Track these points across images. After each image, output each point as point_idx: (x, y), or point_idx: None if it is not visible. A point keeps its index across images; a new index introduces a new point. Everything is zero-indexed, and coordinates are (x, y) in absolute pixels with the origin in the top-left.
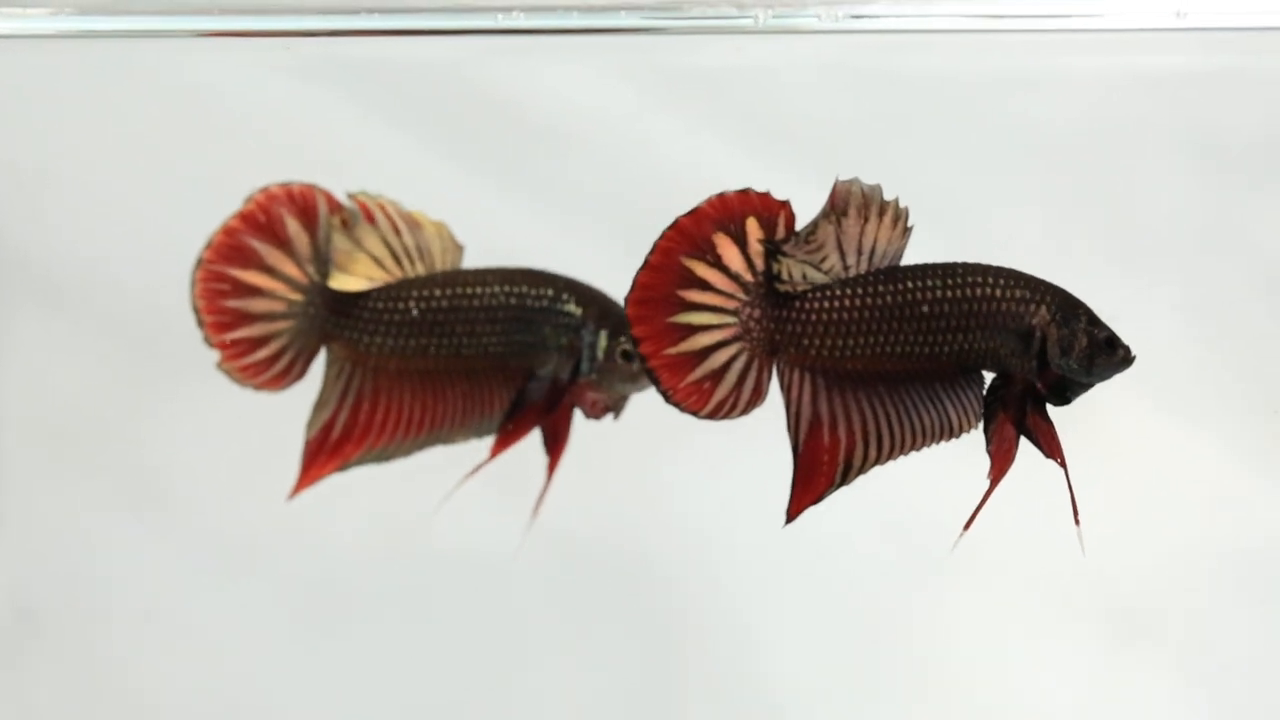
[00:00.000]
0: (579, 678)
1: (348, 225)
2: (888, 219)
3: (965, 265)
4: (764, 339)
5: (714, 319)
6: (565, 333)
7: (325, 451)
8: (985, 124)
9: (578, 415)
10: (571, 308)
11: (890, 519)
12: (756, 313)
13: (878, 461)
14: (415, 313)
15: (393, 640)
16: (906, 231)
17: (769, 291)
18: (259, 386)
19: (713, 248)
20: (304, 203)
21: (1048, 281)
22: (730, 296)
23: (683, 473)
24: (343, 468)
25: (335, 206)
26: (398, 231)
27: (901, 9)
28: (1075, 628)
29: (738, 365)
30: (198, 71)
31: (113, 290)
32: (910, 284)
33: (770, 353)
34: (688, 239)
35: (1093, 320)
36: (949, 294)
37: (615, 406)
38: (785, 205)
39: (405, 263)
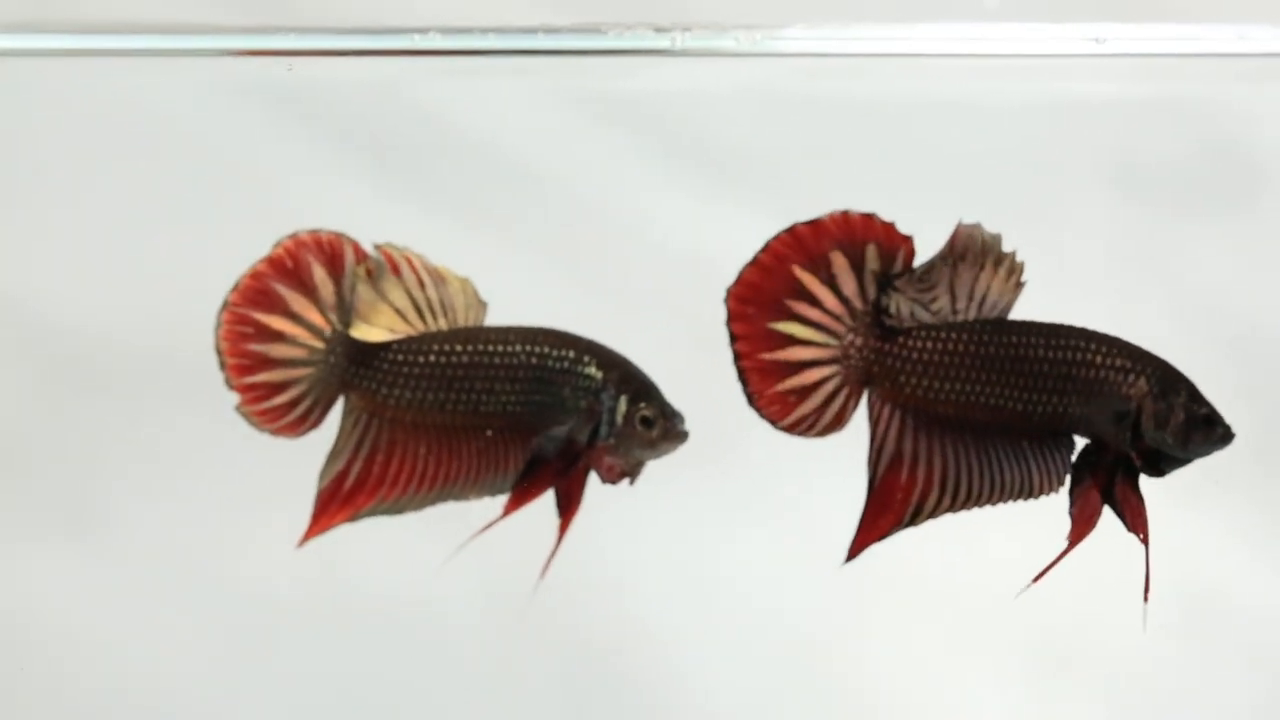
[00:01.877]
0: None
1: (373, 276)
2: (1003, 270)
3: (1072, 328)
4: (861, 368)
5: (816, 336)
6: (585, 395)
7: (338, 501)
8: (904, 149)
9: (592, 478)
10: (592, 370)
11: (817, 550)
12: (859, 340)
13: (950, 509)
14: (435, 367)
15: (321, 671)
16: (1020, 285)
17: (875, 322)
18: (276, 432)
19: (828, 265)
20: (331, 251)
21: (1151, 353)
22: (837, 319)
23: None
24: (354, 518)
25: (362, 256)
26: (422, 285)
27: (820, 33)
28: (1003, 660)
29: (828, 387)
30: (119, 90)
31: (41, 309)
32: (1015, 338)
33: (863, 383)
34: (804, 249)
35: (1194, 396)
36: (1051, 354)
37: (631, 472)
38: (908, 240)
39: (428, 316)
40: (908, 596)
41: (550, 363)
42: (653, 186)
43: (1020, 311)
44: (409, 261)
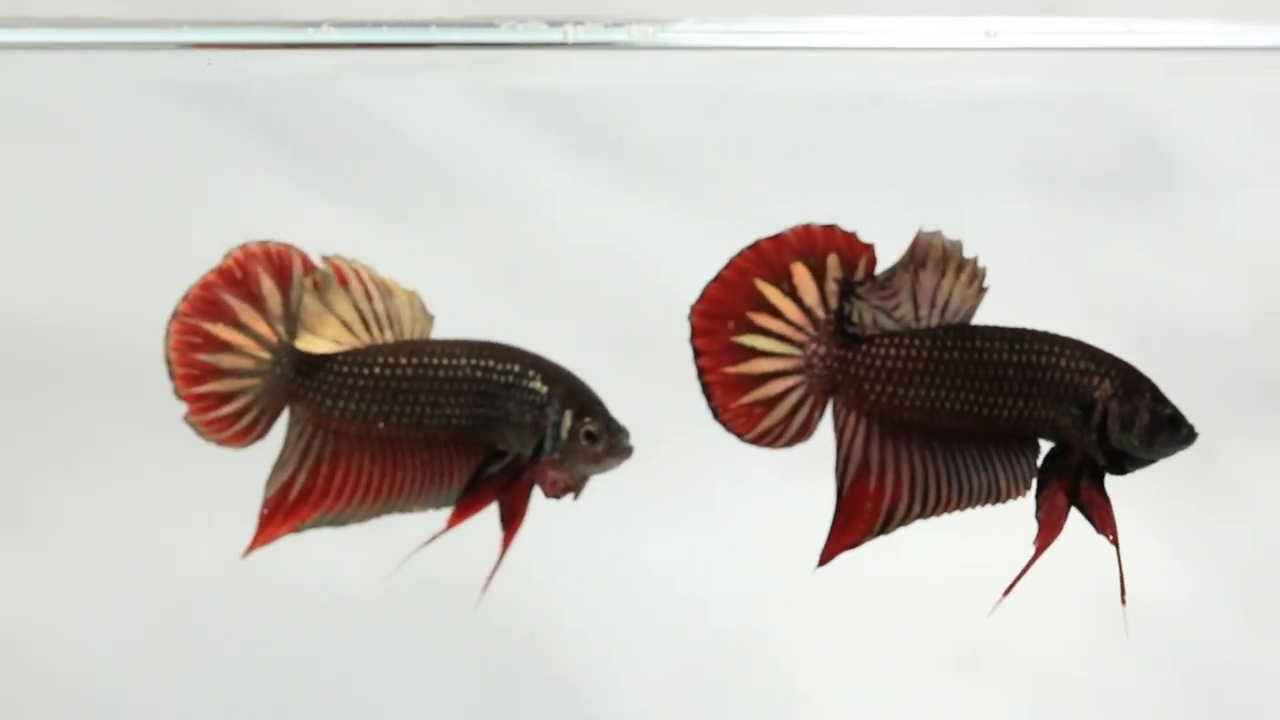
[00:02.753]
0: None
1: (320, 287)
2: (964, 275)
3: (1034, 332)
4: (825, 377)
5: (778, 347)
6: (530, 410)
7: (282, 511)
8: (806, 144)
9: (536, 493)
10: (537, 385)
11: (744, 551)
12: (822, 350)
13: (920, 515)
14: (379, 380)
15: (252, 672)
16: (982, 291)
17: (838, 331)
18: (222, 442)
19: (789, 276)
20: (280, 262)
21: (1113, 355)
22: (799, 329)
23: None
24: (298, 529)
25: (309, 268)
26: (369, 297)
27: (710, 26)
28: (922, 660)
29: (793, 397)
30: (34, 86)
31: None
32: (978, 343)
33: (828, 392)
34: (766, 262)
35: (1157, 397)
36: (1015, 358)
37: (575, 486)
38: (869, 249)
39: (374, 329)
40: (836, 598)
41: (495, 376)
42: (562, 180)
43: None
44: (357, 274)
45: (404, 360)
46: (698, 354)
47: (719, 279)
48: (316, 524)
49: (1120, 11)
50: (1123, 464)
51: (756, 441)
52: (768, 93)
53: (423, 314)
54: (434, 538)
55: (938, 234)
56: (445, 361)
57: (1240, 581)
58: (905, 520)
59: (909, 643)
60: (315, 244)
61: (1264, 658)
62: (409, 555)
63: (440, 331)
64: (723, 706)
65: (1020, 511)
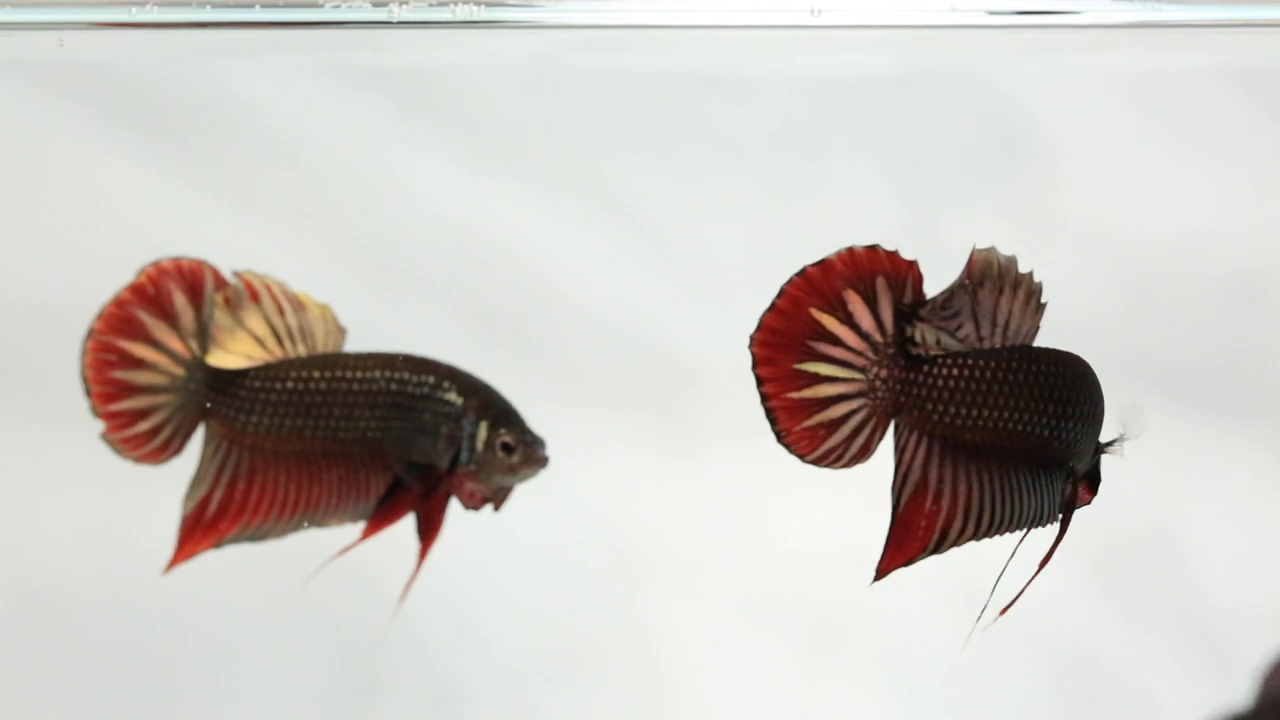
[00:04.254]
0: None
1: (231, 303)
2: (1022, 293)
3: (1081, 359)
4: (888, 399)
5: (840, 372)
6: (445, 421)
7: (201, 528)
8: (647, 121)
9: (454, 504)
10: (453, 396)
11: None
12: (884, 373)
13: (973, 537)
14: (292, 394)
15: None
16: (1041, 308)
17: (899, 353)
18: (139, 459)
19: (844, 304)
20: (192, 278)
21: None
22: (859, 354)
23: None
24: (218, 545)
25: (221, 283)
26: (281, 311)
27: (540, 3)
28: (773, 631)
29: (855, 420)
30: None
31: None
32: (1045, 366)
33: (891, 413)
34: (816, 290)
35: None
36: (1075, 384)
37: (495, 497)
38: (913, 265)
39: (287, 343)
40: (700, 574)
41: (410, 388)
42: (409, 159)
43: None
44: (268, 289)
45: (317, 374)
46: (760, 381)
47: (774, 309)
48: (235, 539)
49: None
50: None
51: (817, 462)
52: (609, 70)
53: (335, 328)
54: (347, 549)
55: (992, 250)
56: (359, 374)
57: (1101, 561)
58: (959, 541)
59: (772, 618)
60: (169, 228)
61: (1120, 630)
62: (322, 566)
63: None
64: (583, 681)
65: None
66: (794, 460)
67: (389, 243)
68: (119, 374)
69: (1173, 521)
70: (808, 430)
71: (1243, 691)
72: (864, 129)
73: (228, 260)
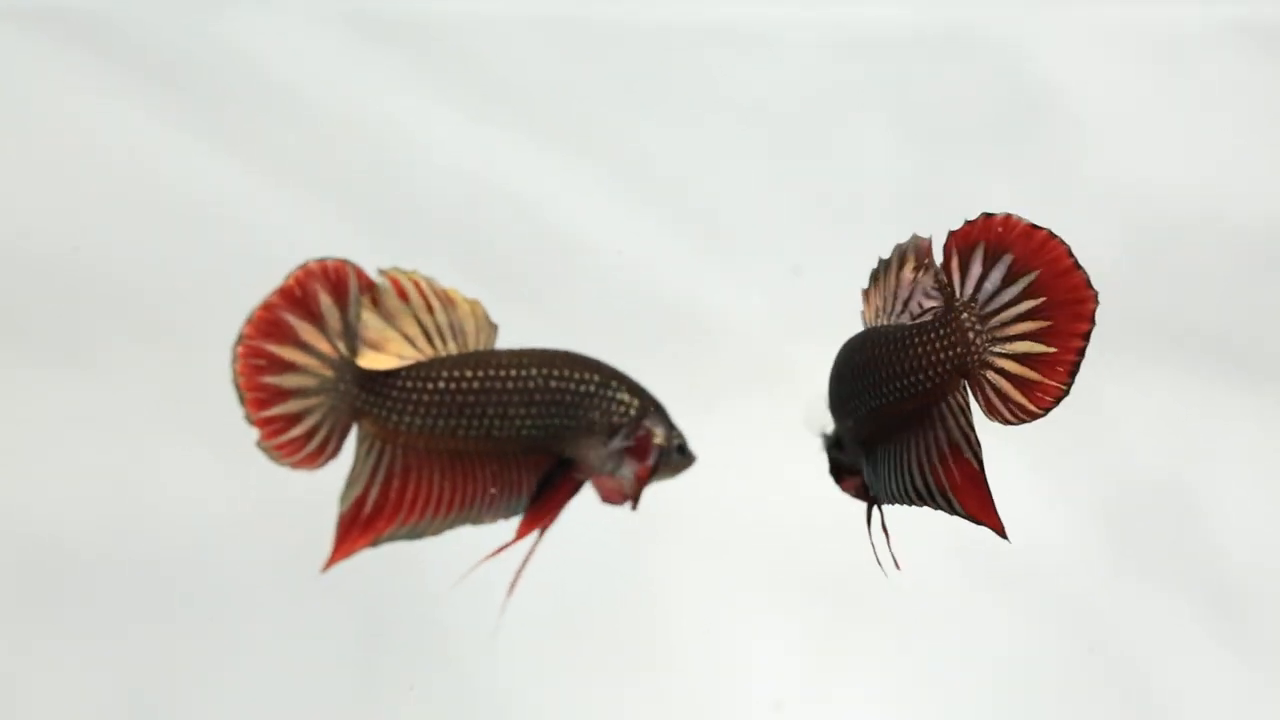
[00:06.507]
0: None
1: (378, 303)
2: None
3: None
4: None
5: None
6: (621, 420)
7: (358, 526)
8: (659, 76)
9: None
10: (625, 396)
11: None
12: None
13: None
14: (445, 394)
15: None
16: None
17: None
18: (296, 465)
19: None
20: (336, 278)
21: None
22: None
23: None
24: (375, 543)
25: (366, 282)
26: (430, 309)
27: None
28: (789, 585)
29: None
30: None
31: None
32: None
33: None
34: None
35: None
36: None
37: (634, 495)
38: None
39: (437, 341)
40: (716, 528)
41: (572, 386)
42: (429, 109)
43: (813, 251)
44: (416, 286)
45: (469, 374)
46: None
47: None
48: (392, 537)
49: None
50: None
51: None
52: (624, 24)
53: (486, 324)
54: (502, 548)
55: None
56: (513, 373)
57: (1107, 514)
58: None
59: (788, 571)
60: (184, 179)
61: (1123, 585)
62: (478, 563)
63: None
64: (600, 637)
65: None
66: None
67: (398, 194)
68: (269, 379)
69: (1188, 478)
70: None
71: (1258, 649)
72: (881, 85)
73: (235, 211)
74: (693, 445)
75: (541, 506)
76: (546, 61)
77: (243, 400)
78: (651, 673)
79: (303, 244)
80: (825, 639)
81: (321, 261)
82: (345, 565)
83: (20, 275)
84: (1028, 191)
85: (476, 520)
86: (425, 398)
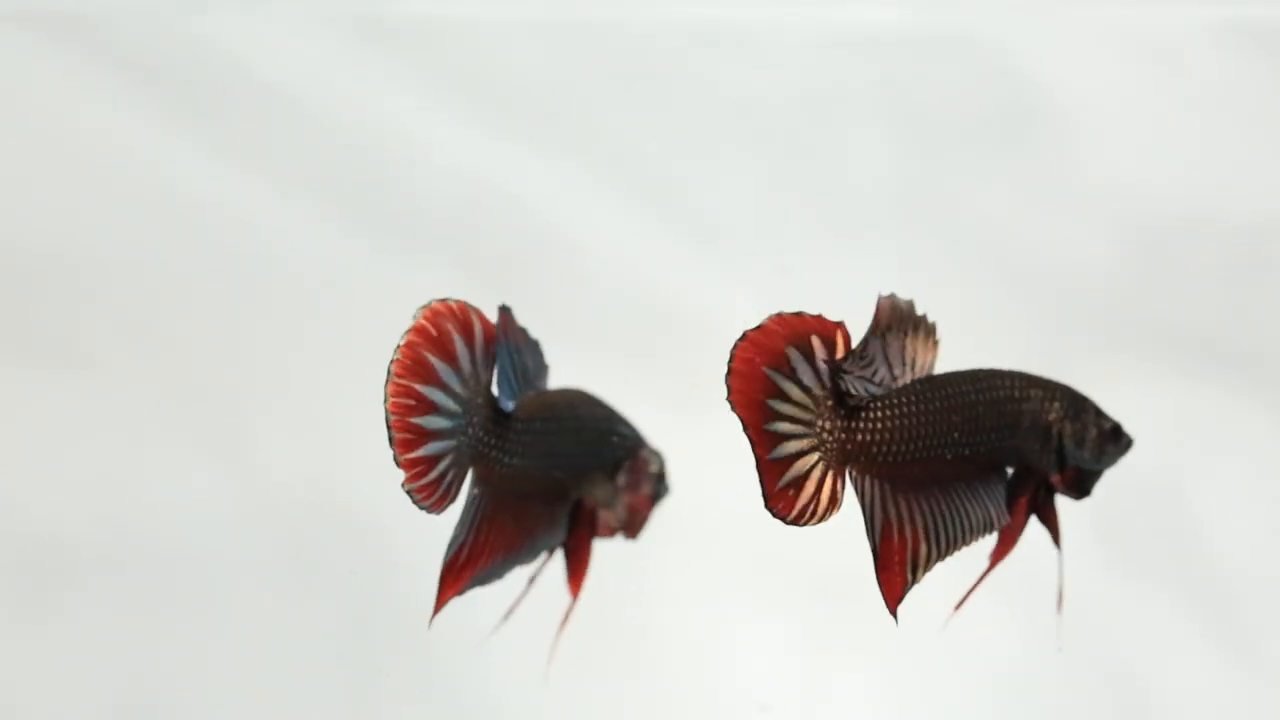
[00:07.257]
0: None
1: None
2: (921, 333)
3: (985, 370)
4: (837, 449)
5: (797, 428)
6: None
7: (453, 574)
8: (655, 77)
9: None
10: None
11: None
12: (829, 424)
13: (940, 558)
14: (532, 433)
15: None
16: (936, 343)
17: (838, 405)
18: (429, 509)
19: (788, 361)
20: (463, 318)
21: (1057, 381)
22: (806, 409)
23: None
24: (460, 592)
25: (486, 325)
26: None
27: None
28: (783, 588)
29: (816, 474)
30: None
31: None
32: (950, 389)
33: (843, 462)
34: (763, 350)
35: (1099, 412)
36: (980, 397)
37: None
38: (841, 326)
39: None
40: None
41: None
42: (424, 110)
43: (800, 250)
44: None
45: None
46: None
47: (732, 373)
48: (471, 585)
49: None
50: (1083, 484)
51: (796, 522)
52: (622, 27)
53: None
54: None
55: (893, 296)
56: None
57: (1110, 522)
58: (929, 566)
59: (783, 575)
60: (183, 179)
61: (1119, 586)
62: (509, 611)
63: (299, 272)
64: (591, 638)
65: None
66: None
67: (394, 196)
68: (417, 420)
69: (1183, 479)
70: (781, 492)
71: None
72: (872, 86)
73: (234, 211)
74: (689, 446)
75: (578, 554)
76: (546, 62)
77: (392, 441)
78: (639, 675)
79: (303, 245)
80: (816, 641)
81: (444, 301)
82: (343, 566)
83: (20, 275)
84: (1023, 193)
85: (526, 560)
86: (527, 438)
